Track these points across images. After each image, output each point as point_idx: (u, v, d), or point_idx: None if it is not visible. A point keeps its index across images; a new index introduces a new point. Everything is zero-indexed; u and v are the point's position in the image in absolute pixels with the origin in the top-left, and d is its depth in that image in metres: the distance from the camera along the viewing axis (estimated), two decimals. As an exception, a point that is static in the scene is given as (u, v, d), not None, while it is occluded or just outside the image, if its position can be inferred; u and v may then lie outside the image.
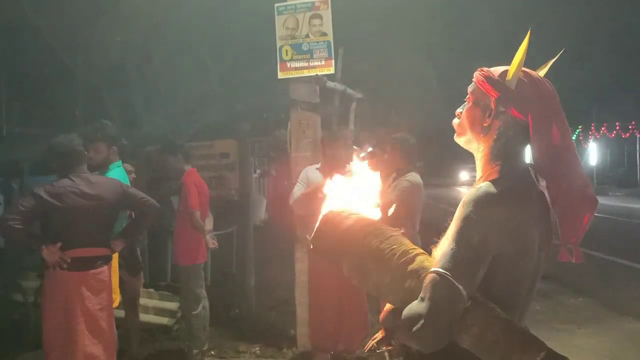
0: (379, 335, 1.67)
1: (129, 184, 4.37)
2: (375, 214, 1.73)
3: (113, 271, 4.14)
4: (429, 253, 1.60)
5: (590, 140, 32.57)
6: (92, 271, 3.56)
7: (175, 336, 5.51)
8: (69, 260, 3.45)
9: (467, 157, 1.73)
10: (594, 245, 10.48)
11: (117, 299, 4.18)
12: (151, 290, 6.08)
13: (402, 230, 1.67)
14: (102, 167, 4.24)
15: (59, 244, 3.45)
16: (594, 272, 8.39)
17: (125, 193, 3.77)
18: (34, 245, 3.54)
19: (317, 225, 1.69)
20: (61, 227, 3.52)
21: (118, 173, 4.28)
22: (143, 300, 5.76)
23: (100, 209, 3.61)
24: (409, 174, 4.40)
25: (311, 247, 1.73)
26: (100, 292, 3.60)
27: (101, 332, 3.58)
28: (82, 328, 3.47)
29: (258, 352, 5.14)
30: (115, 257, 4.18)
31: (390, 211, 1.85)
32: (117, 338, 4.16)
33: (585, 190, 1.51)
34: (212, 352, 5.06)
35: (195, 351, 4.91)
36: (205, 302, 5.04)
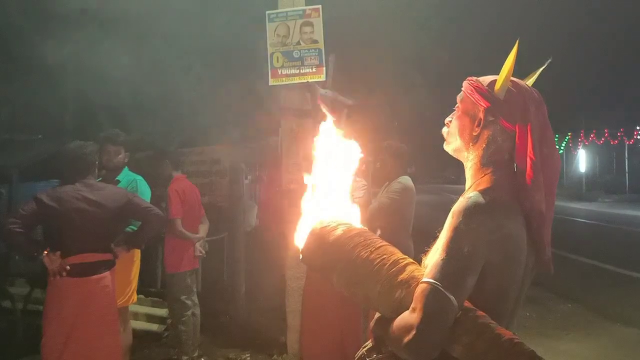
0: (369, 343, 1.67)
1: (141, 186, 4.49)
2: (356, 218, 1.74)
3: (136, 265, 4.39)
4: (420, 261, 1.61)
5: (580, 147, 32.86)
6: (93, 277, 3.56)
7: (165, 343, 5.48)
8: (68, 267, 3.47)
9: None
10: (583, 251, 10.59)
11: (134, 295, 4.40)
12: (141, 296, 6.04)
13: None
14: (116, 171, 4.47)
15: (58, 252, 3.47)
16: (582, 278, 8.47)
17: (129, 202, 3.78)
18: (35, 252, 3.54)
19: (306, 236, 1.70)
20: (60, 232, 3.54)
21: (130, 177, 4.50)
22: (133, 307, 5.72)
23: (100, 216, 3.61)
24: (401, 177, 4.46)
25: (300, 258, 1.73)
26: (101, 298, 3.60)
27: (102, 339, 3.58)
28: (81, 335, 3.47)
29: (248, 358, 5.13)
30: (138, 251, 4.39)
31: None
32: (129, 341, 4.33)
33: (541, 206, 1.53)
34: (202, 359, 5.04)
35: (185, 358, 4.89)
36: (195, 309, 5.02)
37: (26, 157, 7.48)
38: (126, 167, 4.58)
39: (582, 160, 32.16)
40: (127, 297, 4.33)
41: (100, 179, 4.49)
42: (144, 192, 4.41)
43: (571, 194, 27.92)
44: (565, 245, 9.90)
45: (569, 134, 32.45)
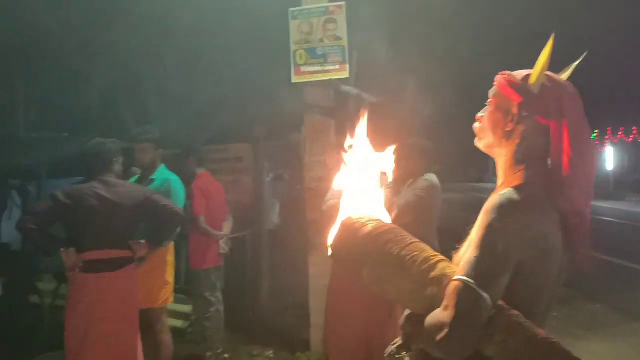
0: (399, 340, 1.65)
1: (176, 186, 4.39)
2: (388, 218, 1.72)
3: (169, 265, 4.35)
4: (449, 259, 1.58)
5: (607, 145, 32.20)
6: (109, 273, 3.55)
7: (190, 339, 5.51)
8: (80, 264, 3.48)
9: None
10: (612, 251, 10.37)
11: (169, 295, 4.37)
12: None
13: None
14: (150, 169, 4.40)
15: (73, 249, 3.49)
16: (611, 278, 8.28)
17: (147, 200, 3.74)
18: (52, 248, 3.59)
19: (335, 232, 1.68)
20: (75, 229, 3.57)
21: (165, 176, 4.38)
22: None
23: (114, 213, 3.60)
24: (427, 174, 4.38)
25: (329, 254, 1.71)
26: (117, 295, 3.59)
27: (118, 336, 3.58)
28: (97, 331, 3.47)
29: (272, 355, 5.13)
30: (172, 251, 4.37)
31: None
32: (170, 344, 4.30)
33: (579, 204, 1.49)
34: (226, 356, 5.06)
35: (209, 354, 4.92)
36: (219, 306, 5.04)
37: (53, 155, 7.61)
38: (163, 165, 4.48)
39: (610, 158, 31.47)
40: (165, 297, 4.31)
41: (137, 177, 4.53)
42: (178, 192, 4.32)
43: (599, 192, 27.17)
44: (593, 245, 9.71)
45: (596, 131, 31.81)
